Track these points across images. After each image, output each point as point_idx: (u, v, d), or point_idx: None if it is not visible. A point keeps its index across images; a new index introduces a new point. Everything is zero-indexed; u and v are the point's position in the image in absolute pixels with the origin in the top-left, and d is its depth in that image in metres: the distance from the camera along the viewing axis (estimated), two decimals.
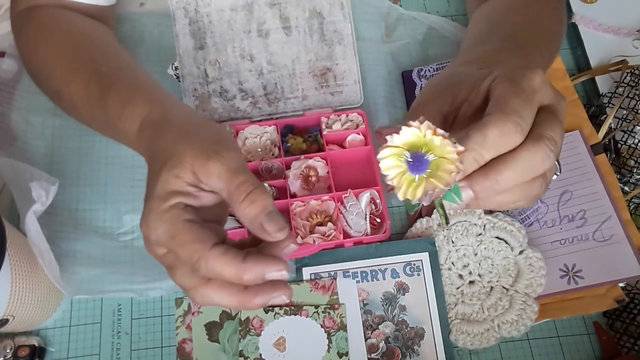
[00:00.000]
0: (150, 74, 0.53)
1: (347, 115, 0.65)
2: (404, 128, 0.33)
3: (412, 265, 0.60)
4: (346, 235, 0.60)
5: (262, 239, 0.37)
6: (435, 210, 0.60)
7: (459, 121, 0.42)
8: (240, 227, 0.59)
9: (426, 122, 0.33)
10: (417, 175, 0.33)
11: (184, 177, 0.38)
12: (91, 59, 0.53)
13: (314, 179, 0.62)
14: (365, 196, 0.60)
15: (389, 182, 0.34)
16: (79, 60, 0.53)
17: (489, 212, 0.61)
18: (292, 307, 0.58)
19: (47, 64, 0.55)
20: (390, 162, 0.34)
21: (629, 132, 0.65)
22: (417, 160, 0.33)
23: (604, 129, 0.64)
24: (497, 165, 0.36)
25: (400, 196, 0.33)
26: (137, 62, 0.55)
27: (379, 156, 0.34)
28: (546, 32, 0.53)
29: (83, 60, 0.53)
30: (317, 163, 0.62)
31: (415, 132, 0.33)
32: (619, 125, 0.66)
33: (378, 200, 0.61)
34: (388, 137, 0.33)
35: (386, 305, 0.59)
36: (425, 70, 0.68)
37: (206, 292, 0.37)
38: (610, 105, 0.67)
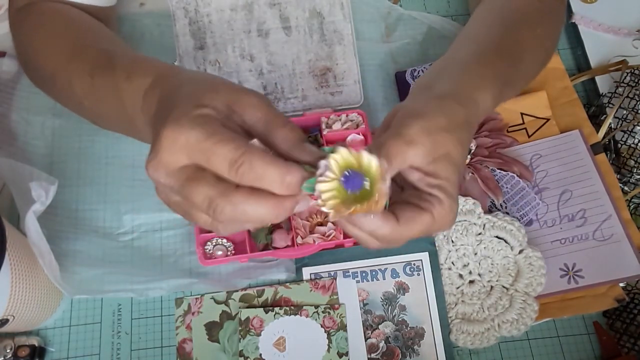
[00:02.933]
0: None
1: (347, 115, 0.65)
2: (340, 150, 0.34)
3: (412, 265, 0.60)
4: (346, 235, 0.60)
5: None
6: None
7: None
8: None
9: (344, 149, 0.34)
10: (349, 192, 0.34)
11: (218, 105, 0.36)
12: (94, 40, 0.53)
13: None
14: None
15: (321, 201, 0.34)
16: (82, 40, 0.53)
17: (489, 211, 0.61)
18: (292, 307, 0.58)
19: (43, 49, 0.54)
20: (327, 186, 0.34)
21: (629, 132, 0.65)
22: (353, 177, 0.34)
23: (603, 129, 0.64)
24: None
25: (331, 217, 0.34)
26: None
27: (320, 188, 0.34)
28: (519, 52, 0.53)
29: (86, 40, 0.53)
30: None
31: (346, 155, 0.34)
32: (618, 125, 0.66)
33: None
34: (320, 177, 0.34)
35: (386, 305, 0.59)
36: (419, 71, 0.68)
37: (237, 200, 0.34)
38: (610, 105, 0.67)
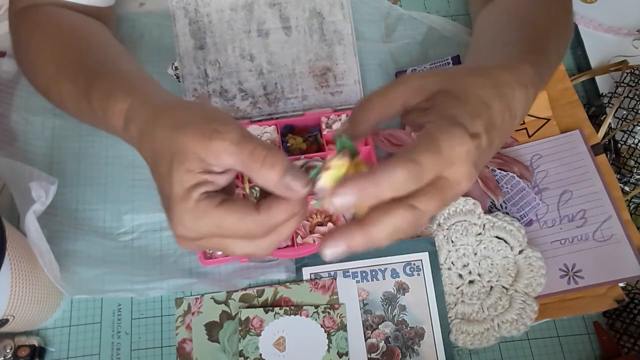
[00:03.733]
0: (136, 61, 0.53)
1: (347, 115, 0.65)
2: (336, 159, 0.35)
3: (412, 265, 0.60)
4: None
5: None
6: None
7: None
8: None
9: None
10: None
11: (195, 168, 0.37)
12: (77, 54, 0.53)
13: None
14: None
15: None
16: (66, 57, 0.53)
17: (489, 211, 0.61)
18: (292, 307, 0.58)
19: (37, 61, 0.55)
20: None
21: (629, 132, 0.65)
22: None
23: (603, 129, 0.64)
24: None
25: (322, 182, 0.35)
26: (123, 50, 0.55)
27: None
28: (553, 36, 0.53)
29: (70, 57, 0.53)
30: (317, 163, 0.62)
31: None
32: (618, 125, 0.66)
33: None
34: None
35: (386, 305, 0.59)
36: (419, 71, 0.68)
37: (272, 240, 0.38)
38: (610, 105, 0.67)
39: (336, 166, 0.35)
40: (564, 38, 0.56)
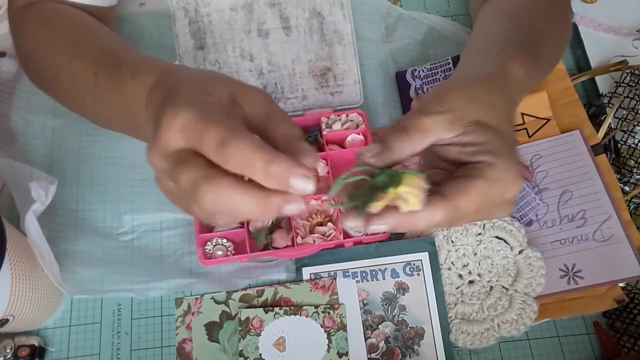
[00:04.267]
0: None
1: (347, 115, 0.65)
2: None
3: (412, 265, 0.60)
4: (346, 235, 0.60)
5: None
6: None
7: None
8: (241, 227, 0.59)
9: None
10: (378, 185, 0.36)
11: (221, 94, 0.36)
12: (97, 39, 0.53)
13: None
14: None
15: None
16: (84, 40, 0.53)
17: None
18: (292, 307, 0.58)
19: (44, 49, 0.54)
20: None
21: (629, 132, 0.65)
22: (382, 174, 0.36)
23: (603, 129, 0.64)
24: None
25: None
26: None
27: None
28: (550, 38, 0.53)
29: (88, 40, 0.53)
30: (317, 163, 0.62)
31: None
32: (618, 125, 0.66)
33: None
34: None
35: (386, 305, 0.59)
36: (419, 71, 0.68)
37: (220, 186, 0.33)
38: (610, 105, 0.67)
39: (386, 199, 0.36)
40: (561, 41, 0.56)
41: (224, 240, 0.59)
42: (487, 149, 0.38)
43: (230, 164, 0.33)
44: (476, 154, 0.38)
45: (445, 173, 0.41)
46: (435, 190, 0.37)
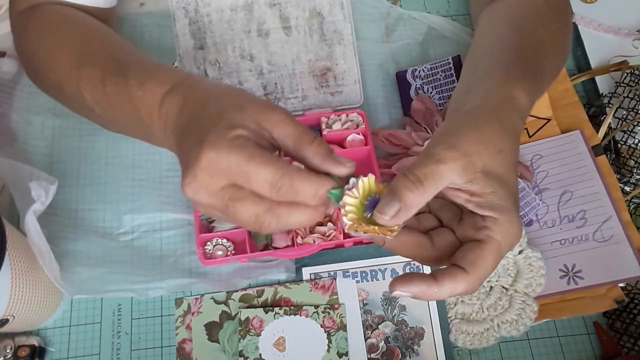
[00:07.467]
0: None
1: (347, 115, 0.65)
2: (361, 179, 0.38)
3: (412, 265, 0.60)
4: (346, 235, 0.60)
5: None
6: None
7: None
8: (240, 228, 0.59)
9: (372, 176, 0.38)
10: (368, 214, 0.38)
11: (248, 124, 0.38)
12: (103, 45, 0.53)
13: None
14: None
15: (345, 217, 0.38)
16: (90, 46, 0.52)
17: None
18: (292, 307, 0.58)
19: (49, 57, 0.54)
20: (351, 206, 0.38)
21: (629, 132, 0.65)
22: (374, 203, 0.38)
23: (603, 129, 0.64)
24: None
25: (347, 227, 0.38)
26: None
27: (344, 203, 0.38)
28: (551, 56, 0.52)
29: (94, 46, 0.52)
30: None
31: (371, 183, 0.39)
32: (618, 126, 0.66)
33: None
34: (348, 192, 0.38)
35: (386, 305, 0.59)
36: (420, 71, 0.68)
37: (281, 214, 0.37)
38: (610, 105, 0.67)
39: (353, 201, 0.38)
40: (561, 56, 0.56)
41: (224, 241, 0.59)
42: (493, 202, 0.39)
43: (284, 198, 0.37)
44: (482, 208, 0.39)
45: (450, 212, 0.42)
46: (453, 259, 0.39)
